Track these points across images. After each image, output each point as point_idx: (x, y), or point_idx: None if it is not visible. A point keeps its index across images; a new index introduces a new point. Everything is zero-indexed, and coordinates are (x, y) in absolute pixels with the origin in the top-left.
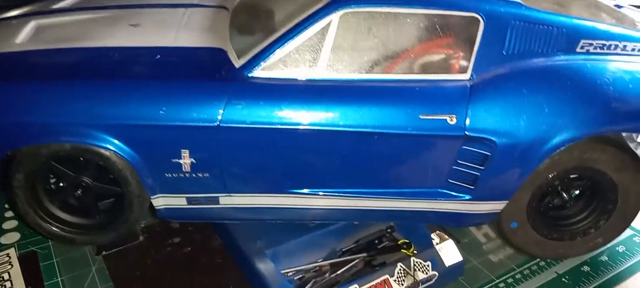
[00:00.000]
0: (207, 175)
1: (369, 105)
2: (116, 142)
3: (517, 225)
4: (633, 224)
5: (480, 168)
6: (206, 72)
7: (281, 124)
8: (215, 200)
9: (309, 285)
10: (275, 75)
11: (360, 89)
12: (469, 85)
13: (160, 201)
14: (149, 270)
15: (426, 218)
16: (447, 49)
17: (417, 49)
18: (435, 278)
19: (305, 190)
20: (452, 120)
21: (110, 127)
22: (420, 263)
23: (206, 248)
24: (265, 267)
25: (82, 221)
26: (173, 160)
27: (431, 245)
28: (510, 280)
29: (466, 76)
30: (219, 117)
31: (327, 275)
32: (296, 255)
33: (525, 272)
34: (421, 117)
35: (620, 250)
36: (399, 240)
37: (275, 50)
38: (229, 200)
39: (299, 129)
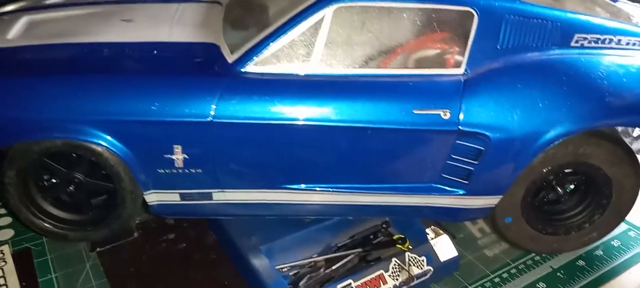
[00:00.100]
0: (200, 170)
1: (362, 100)
2: (108, 138)
3: (512, 220)
4: (628, 218)
5: (474, 163)
6: (199, 67)
7: (274, 119)
8: (209, 196)
9: (304, 280)
10: (268, 70)
11: (353, 84)
12: (462, 80)
13: (153, 197)
14: (144, 267)
15: (421, 213)
16: (441, 43)
17: (411, 44)
18: (430, 273)
19: (299, 186)
20: (445, 115)
21: (102, 122)
22: (415, 258)
23: (201, 244)
24: (259, 262)
25: (74, 217)
26: (165, 155)
27: (426, 241)
28: (505, 275)
29: (460, 71)
30: (212, 113)
31: (321, 270)
32: (291, 250)
33: (520, 267)
34: (415, 111)
35: (615, 245)
36: (394, 236)
37: (268, 45)
38: (222, 196)
39: (292, 124)
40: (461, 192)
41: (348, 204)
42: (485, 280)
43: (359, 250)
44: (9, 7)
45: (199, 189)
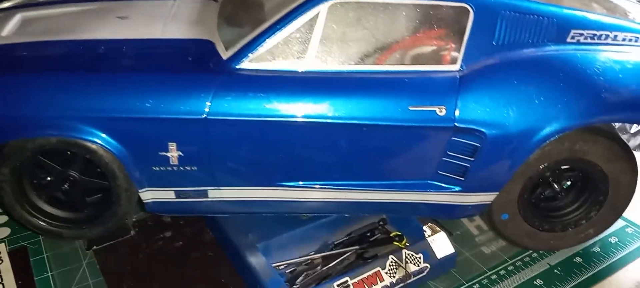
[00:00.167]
0: (195, 168)
1: (358, 97)
2: (102, 135)
3: (508, 217)
4: (625, 215)
5: (470, 160)
6: (193, 64)
7: (269, 116)
8: (204, 194)
9: (301, 278)
10: (263, 67)
11: (349, 80)
12: (458, 76)
13: (149, 195)
14: (140, 265)
15: (417, 210)
16: (436, 39)
17: (406, 40)
18: (427, 270)
19: (295, 183)
20: (441, 111)
21: (96, 120)
22: (412, 255)
23: (198, 242)
24: (256, 260)
25: (69, 215)
26: (160, 153)
27: (423, 238)
28: (502, 272)
29: (456, 67)
30: (206, 110)
31: (318, 268)
32: (288, 248)
33: (517, 264)
34: (410, 108)
35: (612, 241)
36: (391, 233)
37: (262, 42)
38: (218, 193)
39: (287, 121)
40: (457, 188)
41: (344, 201)
42: (482, 277)
43: (356, 247)
44: (3, 5)
45: (194, 187)
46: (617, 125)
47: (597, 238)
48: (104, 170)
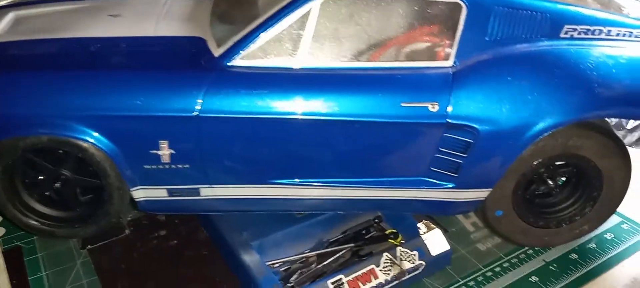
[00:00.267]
0: (187, 166)
1: (350, 93)
2: (94, 133)
3: (502, 213)
4: (621, 211)
5: (463, 156)
6: (185, 61)
7: (261, 114)
8: (196, 192)
9: (295, 276)
10: (255, 64)
11: (341, 77)
12: (451, 72)
13: (141, 193)
14: (135, 264)
15: (411, 207)
16: (429, 35)
17: (399, 37)
18: (422, 267)
19: (288, 180)
20: (433, 107)
21: (88, 118)
22: (407, 252)
23: (192, 241)
24: (250, 258)
25: (61, 214)
26: (151, 151)
27: (418, 235)
28: (498, 269)
29: (449, 63)
30: (198, 107)
31: (313, 266)
32: (283, 246)
33: (513, 261)
34: (403, 104)
35: (608, 237)
36: (386, 230)
37: (254, 39)
38: (210, 192)
39: (279, 118)
40: (450, 185)
41: (338, 198)
42: (477, 274)
43: (351, 245)
44: None
45: (186, 185)
46: (613, 121)
47: (592, 234)
48: (96, 168)
